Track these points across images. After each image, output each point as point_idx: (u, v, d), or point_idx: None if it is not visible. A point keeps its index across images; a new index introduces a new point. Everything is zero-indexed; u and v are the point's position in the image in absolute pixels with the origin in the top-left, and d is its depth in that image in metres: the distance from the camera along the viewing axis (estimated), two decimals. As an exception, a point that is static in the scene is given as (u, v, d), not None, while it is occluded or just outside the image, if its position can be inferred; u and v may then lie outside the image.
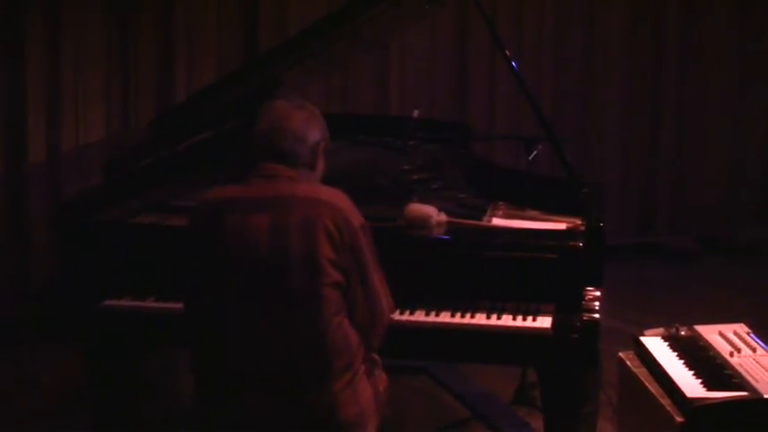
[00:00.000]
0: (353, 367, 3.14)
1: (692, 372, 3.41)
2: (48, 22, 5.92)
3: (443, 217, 3.81)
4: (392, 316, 3.48)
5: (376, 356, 3.35)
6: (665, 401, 3.34)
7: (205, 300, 3.11)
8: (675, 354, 3.59)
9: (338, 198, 3.13)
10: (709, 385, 3.30)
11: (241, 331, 3.06)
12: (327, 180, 3.31)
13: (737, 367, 3.41)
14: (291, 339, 3.04)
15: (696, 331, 3.78)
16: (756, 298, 6.60)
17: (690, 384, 3.32)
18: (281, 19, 6.57)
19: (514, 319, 3.59)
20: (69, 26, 5.96)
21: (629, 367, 3.68)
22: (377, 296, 3.19)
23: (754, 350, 3.56)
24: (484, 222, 3.95)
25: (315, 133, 3.23)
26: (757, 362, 3.45)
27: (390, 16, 4.30)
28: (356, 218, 3.13)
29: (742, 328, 3.78)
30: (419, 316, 3.62)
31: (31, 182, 5.98)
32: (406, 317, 3.60)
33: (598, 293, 3.62)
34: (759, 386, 3.25)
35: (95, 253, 3.84)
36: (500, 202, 4.16)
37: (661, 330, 3.82)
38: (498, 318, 3.59)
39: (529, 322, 3.57)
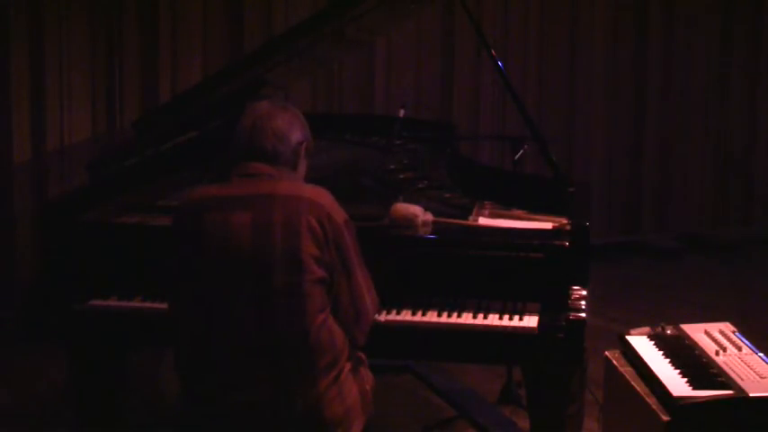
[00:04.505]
0: (339, 365, 3.14)
1: (677, 371, 3.41)
2: (31, 22, 5.90)
3: (429, 216, 3.81)
4: (379, 316, 3.50)
5: (361, 355, 3.35)
6: (651, 400, 3.34)
7: (188, 299, 3.11)
8: (661, 353, 3.59)
9: (321, 195, 3.13)
10: (694, 384, 3.30)
11: (224, 330, 3.06)
12: (313, 179, 3.31)
13: (723, 366, 3.42)
14: (275, 337, 3.04)
15: (682, 330, 3.79)
16: (741, 297, 6.63)
17: (676, 383, 3.32)
18: (266, 18, 6.56)
19: (501, 318, 3.59)
20: (53, 26, 5.94)
21: (615, 366, 3.68)
22: (361, 292, 3.19)
23: (739, 349, 3.57)
24: (470, 222, 3.95)
25: (297, 134, 3.24)
26: (743, 360, 3.46)
27: (375, 15, 4.30)
28: (339, 214, 3.13)
29: (728, 327, 3.79)
30: (405, 315, 3.62)
31: (16, 182, 5.96)
32: (392, 316, 3.60)
33: (584, 292, 3.62)
34: (744, 385, 3.25)
35: (81, 253, 3.83)
36: (486, 202, 4.17)
37: (647, 329, 3.83)
38: (484, 317, 3.59)
39: (515, 321, 3.57)
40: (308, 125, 3.31)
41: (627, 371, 3.60)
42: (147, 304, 3.71)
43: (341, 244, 3.11)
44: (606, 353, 3.79)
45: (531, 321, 3.56)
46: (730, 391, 3.24)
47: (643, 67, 7.71)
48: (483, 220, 3.97)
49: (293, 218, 3.04)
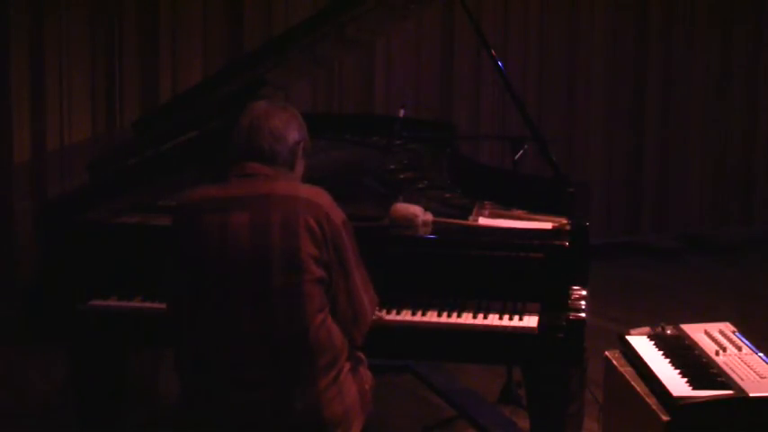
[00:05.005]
0: (338, 364, 3.14)
1: (677, 371, 3.41)
2: (31, 22, 5.90)
3: (429, 216, 3.82)
4: (379, 315, 3.49)
5: (361, 354, 3.35)
6: (651, 400, 3.34)
7: (187, 299, 3.11)
8: (661, 353, 3.59)
9: (318, 195, 3.13)
10: (694, 384, 3.30)
11: (223, 330, 3.06)
12: (313, 179, 3.31)
13: (723, 366, 3.42)
14: (275, 337, 3.04)
15: (682, 330, 3.78)
16: (741, 297, 6.63)
17: (676, 383, 3.32)
18: (266, 18, 6.56)
19: (501, 318, 3.59)
20: (53, 26, 5.94)
21: (615, 366, 3.68)
22: (359, 293, 3.19)
23: (739, 349, 3.56)
24: (470, 222, 3.95)
25: (294, 134, 3.23)
26: (743, 360, 3.46)
27: (375, 15, 4.30)
28: (337, 214, 3.13)
29: (728, 327, 3.79)
30: (405, 315, 3.62)
31: (15, 182, 5.96)
32: (392, 316, 3.60)
33: (584, 292, 3.62)
34: (744, 385, 3.25)
35: (81, 253, 3.83)
36: (486, 202, 4.17)
37: (647, 329, 3.82)
38: (484, 317, 3.59)
39: (515, 321, 3.57)
40: (305, 125, 3.30)
41: (627, 371, 3.60)
42: (147, 304, 3.71)
43: (339, 244, 3.11)
44: (606, 353, 3.79)
45: (531, 321, 3.56)
46: (730, 391, 3.24)
47: (643, 67, 7.71)
48: (483, 220, 3.97)
49: (291, 218, 3.04)
